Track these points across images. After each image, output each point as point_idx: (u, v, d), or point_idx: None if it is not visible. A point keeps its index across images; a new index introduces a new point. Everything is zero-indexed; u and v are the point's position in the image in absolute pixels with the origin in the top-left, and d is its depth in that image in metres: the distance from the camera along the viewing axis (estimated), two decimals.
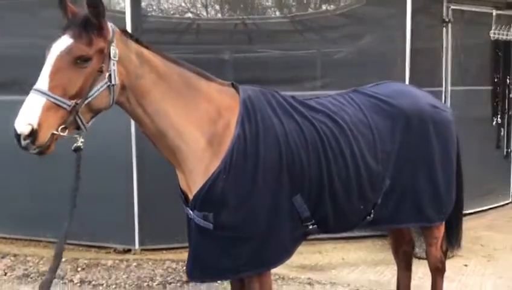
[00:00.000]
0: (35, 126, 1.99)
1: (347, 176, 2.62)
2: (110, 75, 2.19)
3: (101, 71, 2.16)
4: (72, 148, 2.24)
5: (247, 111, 2.47)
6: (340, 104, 2.80)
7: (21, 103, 2.06)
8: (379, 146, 2.72)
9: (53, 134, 2.05)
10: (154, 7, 6.22)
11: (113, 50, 2.20)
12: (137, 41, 2.37)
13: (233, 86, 2.62)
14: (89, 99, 2.14)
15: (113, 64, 2.20)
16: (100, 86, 2.17)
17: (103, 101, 2.22)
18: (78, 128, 2.18)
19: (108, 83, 2.19)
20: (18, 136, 2.01)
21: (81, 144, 2.24)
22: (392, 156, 2.76)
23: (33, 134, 1.99)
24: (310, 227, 2.62)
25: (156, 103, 2.35)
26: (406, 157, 2.79)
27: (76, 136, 2.23)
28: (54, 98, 2.04)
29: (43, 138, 2.02)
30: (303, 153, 2.51)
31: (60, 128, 2.06)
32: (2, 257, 5.23)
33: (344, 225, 2.81)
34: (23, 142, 2.01)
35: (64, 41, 2.13)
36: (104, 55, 2.18)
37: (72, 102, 2.08)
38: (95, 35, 2.16)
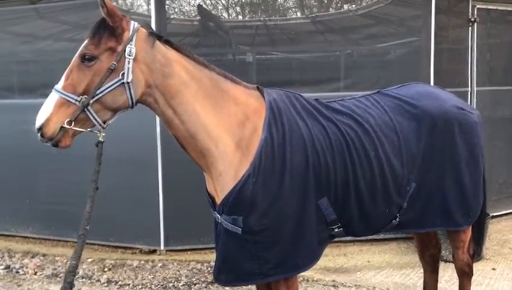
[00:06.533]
0: (43, 120, 2.17)
1: (372, 178, 2.59)
2: (123, 73, 2.25)
3: (112, 69, 2.23)
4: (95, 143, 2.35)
5: (273, 114, 2.46)
6: (365, 106, 2.77)
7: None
8: (404, 148, 2.69)
9: (63, 128, 2.18)
10: (176, 10, 6.29)
11: (129, 49, 2.26)
12: (166, 42, 2.40)
13: (258, 89, 2.62)
14: (100, 95, 2.22)
15: (128, 62, 2.25)
16: (112, 83, 2.23)
17: (118, 99, 2.27)
18: (95, 125, 2.29)
19: (123, 81, 2.25)
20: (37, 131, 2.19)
21: (102, 139, 2.32)
22: (417, 158, 2.72)
23: (42, 128, 2.17)
24: (336, 230, 2.60)
25: (186, 104, 2.37)
26: (432, 160, 2.75)
27: (96, 132, 2.31)
28: (65, 95, 2.19)
29: (50, 131, 2.17)
30: (329, 155, 2.49)
31: (66, 122, 2.18)
32: (32, 257, 5.37)
33: (369, 228, 2.78)
34: (38, 136, 2.20)
35: (83, 44, 2.27)
36: (116, 53, 2.24)
37: (80, 98, 2.20)
38: (106, 35, 2.24)
